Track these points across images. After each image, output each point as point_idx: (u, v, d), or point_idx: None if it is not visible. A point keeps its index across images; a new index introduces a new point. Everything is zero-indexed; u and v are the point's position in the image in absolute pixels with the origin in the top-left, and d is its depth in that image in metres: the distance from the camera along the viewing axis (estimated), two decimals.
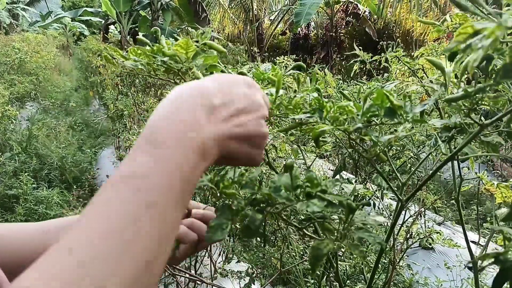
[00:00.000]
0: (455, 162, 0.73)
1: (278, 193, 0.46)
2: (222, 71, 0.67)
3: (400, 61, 1.40)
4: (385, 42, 1.56)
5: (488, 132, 0.57)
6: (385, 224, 1.76)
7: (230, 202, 0.50)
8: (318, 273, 1.65)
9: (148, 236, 0.32)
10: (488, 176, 0.84)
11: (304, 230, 0.57)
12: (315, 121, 0.58)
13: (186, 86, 0.42)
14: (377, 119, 0.52)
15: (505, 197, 0.63)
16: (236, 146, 0.43)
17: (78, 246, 0.29)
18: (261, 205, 0.49)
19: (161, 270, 0.34)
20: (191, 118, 0.38)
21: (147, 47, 0.63)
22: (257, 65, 0.79)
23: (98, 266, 0.29)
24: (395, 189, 0.76)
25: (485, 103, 0.53)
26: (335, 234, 0.48)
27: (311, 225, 0.62)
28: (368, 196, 1.63)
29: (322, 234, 0.56)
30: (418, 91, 1.41)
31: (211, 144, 0.39)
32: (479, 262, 0.63)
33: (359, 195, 1.12)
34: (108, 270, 0.29)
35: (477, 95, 0.43)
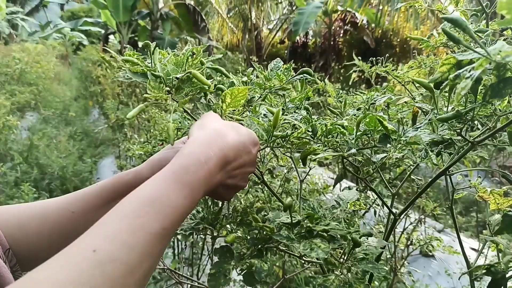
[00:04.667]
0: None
1: (278, 233, 0.47)
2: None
3: (393, 73, 1.43)
4: (374, 58, 1.58)
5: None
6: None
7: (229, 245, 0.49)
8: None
9: (134, 247, 0.37)
10: (481, 183, 0.85)
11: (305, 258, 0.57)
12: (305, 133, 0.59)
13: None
14: (369, 137, 0.54)
15: (499, 203, 0.64)
16: (223, 190, 0.52)
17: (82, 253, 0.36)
18: (262, 244, 0.48)
19: (142, 282, 0.38)
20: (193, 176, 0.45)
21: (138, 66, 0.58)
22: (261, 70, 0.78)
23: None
24: (389, 202, 0.78)
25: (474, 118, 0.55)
26: (339, 266, 0.48)
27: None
28: (366, 210, 1.66)
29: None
30: (409, 102, 1.43)
31: (201, 190, 0.45)
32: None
33: (360, 204, 1.13)
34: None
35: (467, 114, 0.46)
